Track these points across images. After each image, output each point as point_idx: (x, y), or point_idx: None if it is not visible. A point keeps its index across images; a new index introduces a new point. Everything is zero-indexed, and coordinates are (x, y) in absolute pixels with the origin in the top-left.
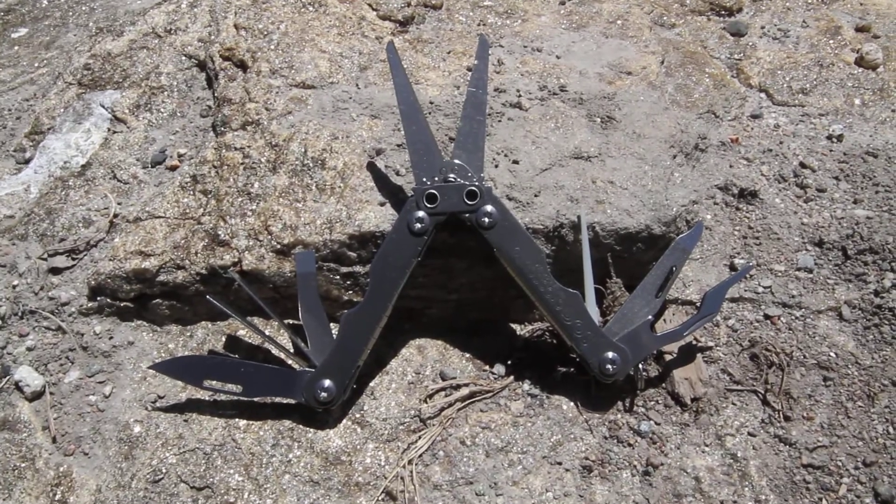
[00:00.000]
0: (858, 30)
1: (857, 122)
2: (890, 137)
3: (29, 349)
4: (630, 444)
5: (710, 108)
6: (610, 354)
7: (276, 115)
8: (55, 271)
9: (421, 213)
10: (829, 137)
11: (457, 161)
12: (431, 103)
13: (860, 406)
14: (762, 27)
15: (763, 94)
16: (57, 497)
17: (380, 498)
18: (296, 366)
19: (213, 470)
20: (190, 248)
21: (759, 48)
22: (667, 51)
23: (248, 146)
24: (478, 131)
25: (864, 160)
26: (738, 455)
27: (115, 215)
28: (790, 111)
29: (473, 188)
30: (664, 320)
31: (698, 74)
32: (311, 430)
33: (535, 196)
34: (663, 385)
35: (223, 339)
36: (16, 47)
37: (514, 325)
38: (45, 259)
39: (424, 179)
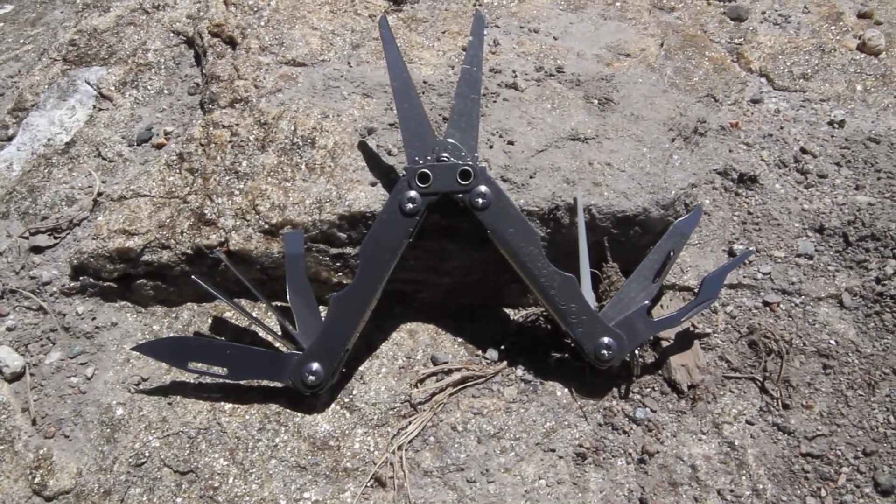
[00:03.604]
0: (860, 16)
1: (860, 108)
2: (892, 123)
3: (9, 329)
4: (625, 432)
5: (709, 91)
6: (605, 340)
7: (266, 93)
8: (37, 250)
9: (413, 193)
10: (831, 123)
11: (450, 140)
12: (425, 83)
13: (860, 395)
14: (763, 12)
15: (763, 79)
16: (36, 480)
17: (368, 484)
18: (283, 348)
19: (198, 454)
20: (175, 228)
21: (759, 33)
22: (666, 34)
23: (237, 124)
24: (472, 110)
25: (865, 146)
26: (736, 443)
27: (100, 193)
28: (791, 96)
29: (467, 168)
30: (661, 306)
31: (698, 58)
32: (299, 414)
33: (531, 178)
34: (660, 372)
35: (209, 320)
36: (1, 24)
37: (507, 310)
38: (27, 238)
39: (417, 158)
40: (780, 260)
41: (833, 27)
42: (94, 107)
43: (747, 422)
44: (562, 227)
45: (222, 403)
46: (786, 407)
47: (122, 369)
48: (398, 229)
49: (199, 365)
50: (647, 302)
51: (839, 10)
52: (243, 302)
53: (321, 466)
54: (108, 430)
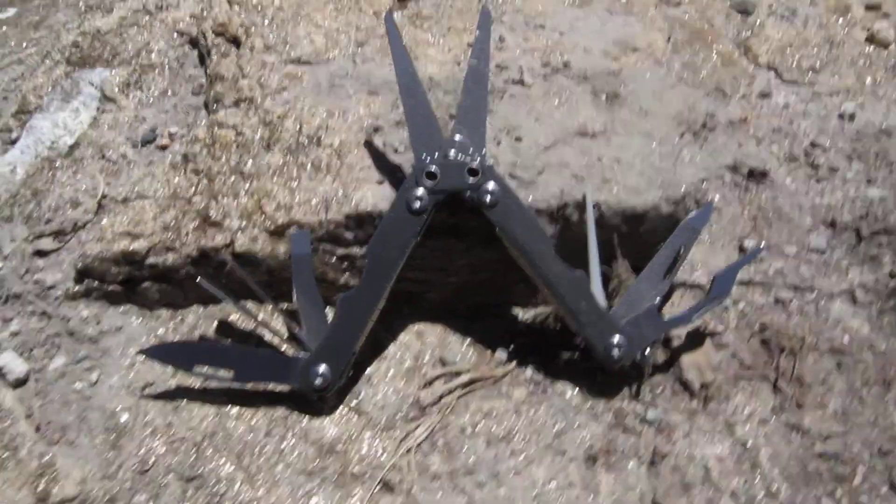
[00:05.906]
0: (868, 8)
1: (870, 101)
2: None
3: (13, 334)
4: (636, 433)
5: (717, 86)
6: (616, 339)
7: (270, 92)
8: (41, 254)
9: (420, 191)
10: (841, 116)
11: (458, 137)
12: (431, 80)
13: (875, 392)
14: (770, 6)
15: (772, 73)
16: (40, 488)
17: (376, 489)
18: (290, 351)
19: (204, 460)
20: (181, 230)
21: (767, 26)
22: (673, 28)
23: (241, 124)
24: (480, 106)
25: (877, 139)
26: (749, 443)
27: (104, 196)
28: (800, 90)
29: (475, 165)
30: (671, 304)
31: (706, 52)
32: (306, 417)
33: (539, 174)
34: (671, 371)
35: (215, 323)
36: (3, 28)
37: (516, 309)
38: (31, 241)
39: (424, 156)
40: (791, 256)
41: (841, 19)
42: (98, 108)
43: (760, 421)
44: (570, 224)
45: (228, 408)
46: (799, 406)
47: (127, 374)
48: (406, 228)
49: (205, 368)
50: (657, 300)
51: (847, 3)
52: (249, 304)
53: (328, 471)
54: (113, 437)
